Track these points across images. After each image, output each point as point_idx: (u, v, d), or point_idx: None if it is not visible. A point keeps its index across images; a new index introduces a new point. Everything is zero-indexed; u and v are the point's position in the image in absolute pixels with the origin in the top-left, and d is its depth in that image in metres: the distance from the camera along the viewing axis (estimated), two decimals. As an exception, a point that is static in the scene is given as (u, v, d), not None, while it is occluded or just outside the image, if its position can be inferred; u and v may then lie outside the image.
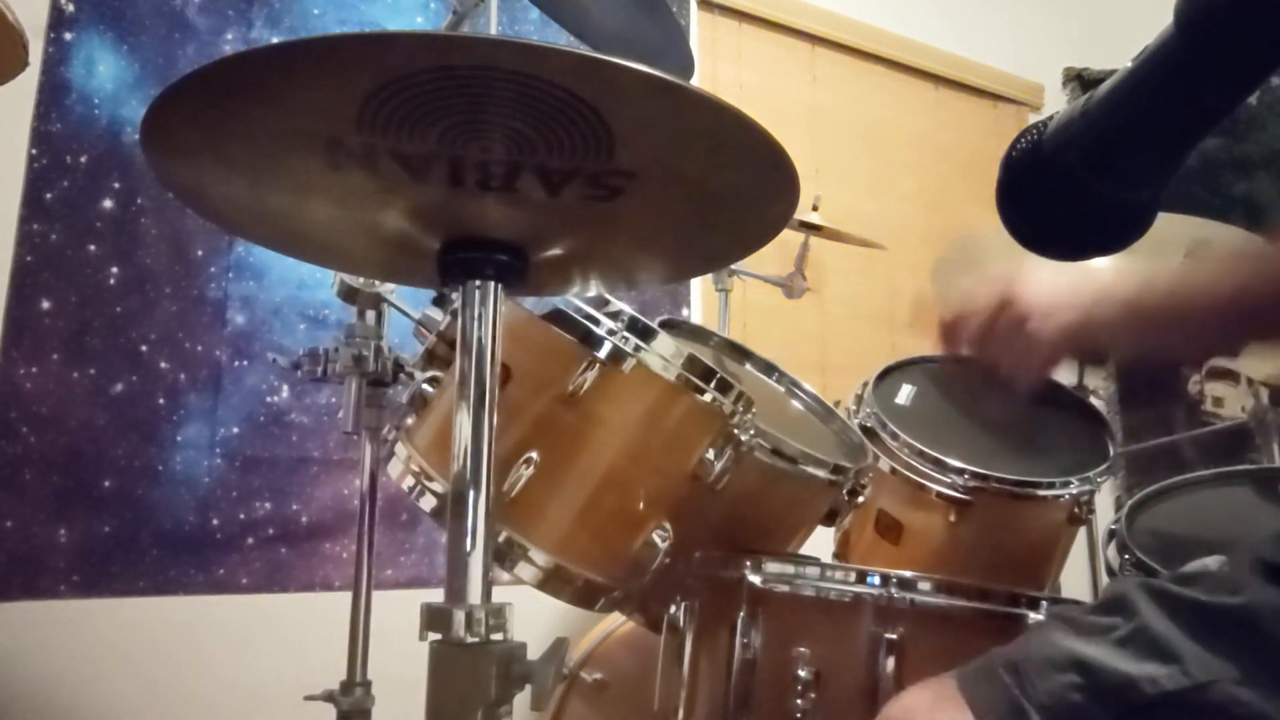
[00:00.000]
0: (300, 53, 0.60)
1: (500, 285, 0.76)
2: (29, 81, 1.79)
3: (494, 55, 0.58)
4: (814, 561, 0.98)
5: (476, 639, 0.69)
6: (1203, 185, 2.92)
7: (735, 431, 0.99)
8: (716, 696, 0.96)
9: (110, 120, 1.86)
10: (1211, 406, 2.90)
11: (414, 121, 0.61)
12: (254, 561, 1.90)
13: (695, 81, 0.70)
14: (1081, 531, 1.34)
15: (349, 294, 1.36)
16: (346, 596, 1.38)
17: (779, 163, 0.66)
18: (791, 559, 1.03)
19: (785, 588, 0.94)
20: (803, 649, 0.90)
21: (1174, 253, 1.25)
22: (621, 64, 0.57)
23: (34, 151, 1.79)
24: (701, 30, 2.70)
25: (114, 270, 1.83)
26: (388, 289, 1.38)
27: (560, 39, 1.56)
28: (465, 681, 0.68)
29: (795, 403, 1.32)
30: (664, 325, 1.10)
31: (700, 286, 2.56)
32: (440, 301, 1.14)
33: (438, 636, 0.69)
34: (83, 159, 1.82)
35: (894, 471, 1.24)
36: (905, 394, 1.34)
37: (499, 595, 0.71)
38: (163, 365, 1.86)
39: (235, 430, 1.92)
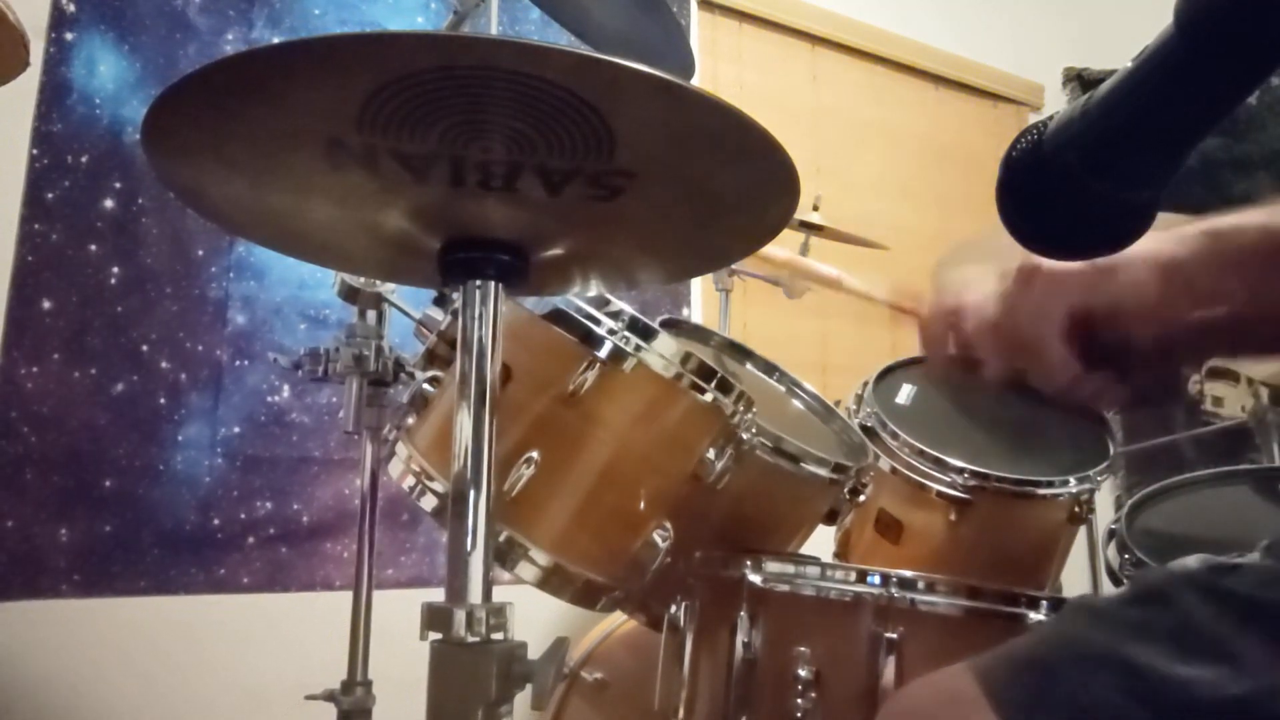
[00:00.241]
0: (301, 53, 0.60)
1: (501, 285, 0.76)
2: (30, 81, 1.79)
3: (495, 55, 0.58)
4: (814, 561, 0.98)
5: (477, 638, 0.69)
6: (1203, 185, 2.92)
7: (736, 431, 0.99)
8: (717, 696, 0.96)
9: (111, 120, 1.86)
10: (1211, 406, 2.90)
11: (415, 121, 0.61)
12: (255, 561, 1.90)
13: (696, 81, 0.71)
14: (1081, 531, 1.33)
15: (350, 294, 1.37)
16: (347, 596, 1.38)
17: (779, 162, 0.66)
18: (792, 558, 1.03)
19: (785, 587, 0.94)
20: (803, 648, 0.90)
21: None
22: (622, 64, 0.57)
23: (35, 151, 1.79)
24: (702, 30, 2.70)
25: (115, 270, 1.83)
26: (388, 289, 1.38)
27: (561, 39, 1.56)
28: (466, 681, 0.68)
29: (796, 402, 1.33)
30: (664, 325, 1.10)
31: (701, 286, 2.56)
32: (441, 301, 1.14)
33: (438, 636, 0.69)
34: (84, 159, 1.83)
35: (894, 471, 1.24)
36: (905, 393, 1.34)
37: (499, 595, 0.71)
38: (164, 365, 1.86)
39: (236, 430, 1.92)
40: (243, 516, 1.90)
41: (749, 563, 0.95)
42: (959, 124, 3.22)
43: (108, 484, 1.78)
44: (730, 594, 0.95)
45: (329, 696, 1.34)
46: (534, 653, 0.71)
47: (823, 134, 2.90)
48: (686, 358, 0.94)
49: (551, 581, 0.91)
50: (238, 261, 1.96)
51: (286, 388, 1.98)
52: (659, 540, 0.95)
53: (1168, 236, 0.83)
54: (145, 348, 1.85)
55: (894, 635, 0.87)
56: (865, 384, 1.35)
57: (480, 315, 0.75)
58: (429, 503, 0.95)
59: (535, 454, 0.90)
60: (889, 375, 1.37)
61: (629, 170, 0.67)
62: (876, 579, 0.90)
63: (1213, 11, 0.41)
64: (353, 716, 1.34)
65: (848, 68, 2.99)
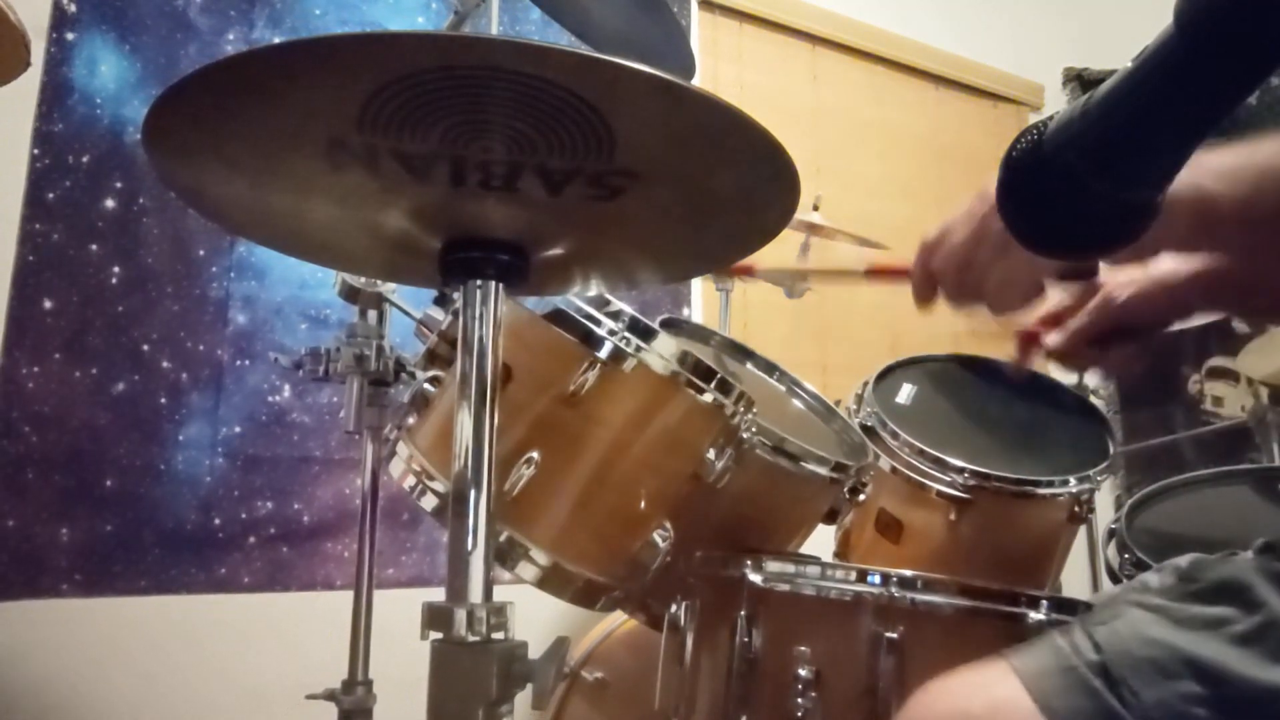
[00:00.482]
0: (302, 53, 0.60)
1: (501, 285, 0.76)
2: (31, 82, 1.79)
3: (495, 55, 0.58)
4: (814, 560, 0.98)
5: (478, 638, 0.69)
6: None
7: (736, 430, 0.99)
8: (717, 695, 0.96)
9: (112, 120, 1.86)
10: (1211, 406, 2.90)
11: (415, 121, 0.61)
12: (255, 561, 1.90)
13: (696, 81, 0.71)
14: (1081, 530, 1.34)
15: (351, 294, 1.37)
16: (348, 595, 1.38)
17: (780, 162, 0.66)
18: (792, 558, 1.03)
19: (786, 587, 0.94)
20: (803, 648, 0.90)
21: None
22: (622, 64, 0.57)
23: (36, 151, 1.79)
24: (702, 30, 2.70)
25: (116, 270, 1.83)
26: (389, 289, 1.38)
27: (561, 39, 1.56)
28: (466, 680, 0.68)
29: (796, 402, 1.33)
30: (664, 325, 1.10)
31: (701, 286, 2.56)
32: (442, 301, 1.14)
33: (439, 635, 0.70)
34: (85, 159, 1.83)
35: (894, 470, 1.24)
36: (905, 393, 1.34)
37: (500, 594, 0.71)
38: (164, 365, 1.86)
39: (237, 429, 1.92)
40: (243, 516, 1.90)
41: (749, 562, 0.95)
42: (959, 124, 3.21)
43: (109, 483, 1.78)
44: (730, 593, 0.95)
45: (330, 696, 1.34)
46: (534, 652, 0.71)
47: (823, 134, 2.89)
48: (686, 358, 0.94)
49: (551, 581, 0.91)
50: (239, 261, 1.96)
51: (287, 387, 1.98)
52: (659, 540, 0.95)
53: (1208, 171, 0.68)
54: (146, 347, 1.85)
55: (894, 635, 0.87)
56: (865, 384, 1.35)
57: (481, 315, 0.75)
58: (429, 502, 0.95)
59: (535, 454, 0.90)
60: (889, 375, 1.38)
61: (629, 170, 0.67)
62: (877, 578, 0.90)
63: (1213, 11, 0.41)
64: (353, 716, 1.34)
65: (848, 68, 2.99)
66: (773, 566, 0.95)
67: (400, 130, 0.62)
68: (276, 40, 1.38)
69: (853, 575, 0.93)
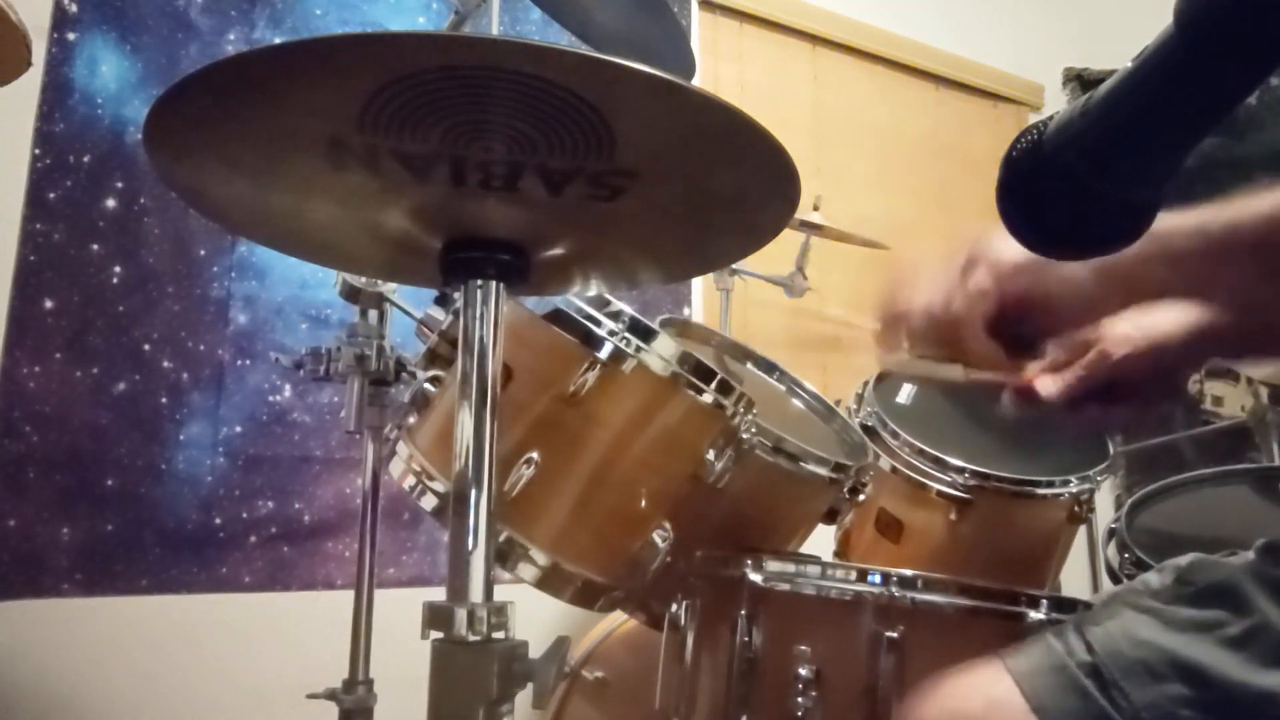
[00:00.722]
0: (303, 53, 0.60)
1: (502, 285, 0.76)
2: (32, 81, 1.79)
3: (496, 55, 0.58)
4: (815, 560, 0.99)
5: (478, 637, 0.69)
6: (1203, 185, 2.91)
7: (736, 431, 0.99)
8: (717, 695, 0.96)
9: (113, 120, 1.86)
10: (1211, 405, 2.90)
11: (416, 121, 0.61)
12: (256, 560, 1.90)
13: (696, 82, 0.71)
14: (1081, 530, 1.34)
15: (351, 293, 1.37)
16: (349, 595, 1.38)
17: (780, 162, 0.66)
18: (792, 558, 1.03)
19: (786, 586, 0.94)
20: (803, 647, 0.90)
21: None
22: (623, 64, 0.57)
23: (37, 151, 1.79)
24: (703, 30, 2.70)
25: (117, 270, 1.83)
26: (390, 288, 1.39)
27: (562, 39, 1.56)
28: (467, 680, 0.68)
29: (796, 402, 1.33)
30: (664, 325, 1.10)
31: (701, 286, 2.56)
32: (442, 301, 1.14)
33: (440, 635, 0.70)
34: (85, 159, 1.83)
35: (894, 470, 1.25)
36: (905, 393, 1.34)
37: (500, 594, 0.71)
38: (165, 364, 1.86)
39: (238, 429, 1.92)
40: (244, 516, 1.90)
41: (749, 562, 0.95)
42: (959, 124, 3.21)
43: (109, 483, 1.78)
44: (731, 593, 0.95)
45: (330, 695, 1.34)
46: (535, 652, 0.71)
47: (823, 134, 2.89)
48: (686, 358, 0.94)
49: (551, 581, 0.92)
50: (239, 261, 1.97)
51: (288, 387, 1.98)
52: (659, 540, 0.95)
53: None
54: (147, 347, 1.85)
55: (894, 634, 0.87)
56: (865, 384, 1.35)
57: (481, 315, 0.75)
58: (429, 502, 0.95)
59: (536, 454, 0.90)
60: (889, 375, 1.37)
61: (629, 170, 0.67)
62: (877, 578, 0.90)
63: (1213, 11, 0.41)
64: (354, 715, 1.34)
65: (848, 68, 2.99)
66: (773, 566, 0.95)
67: (401, 130, 0.62)
68: (277, 40, 1.38)
69: (853, 575, 0.93)
